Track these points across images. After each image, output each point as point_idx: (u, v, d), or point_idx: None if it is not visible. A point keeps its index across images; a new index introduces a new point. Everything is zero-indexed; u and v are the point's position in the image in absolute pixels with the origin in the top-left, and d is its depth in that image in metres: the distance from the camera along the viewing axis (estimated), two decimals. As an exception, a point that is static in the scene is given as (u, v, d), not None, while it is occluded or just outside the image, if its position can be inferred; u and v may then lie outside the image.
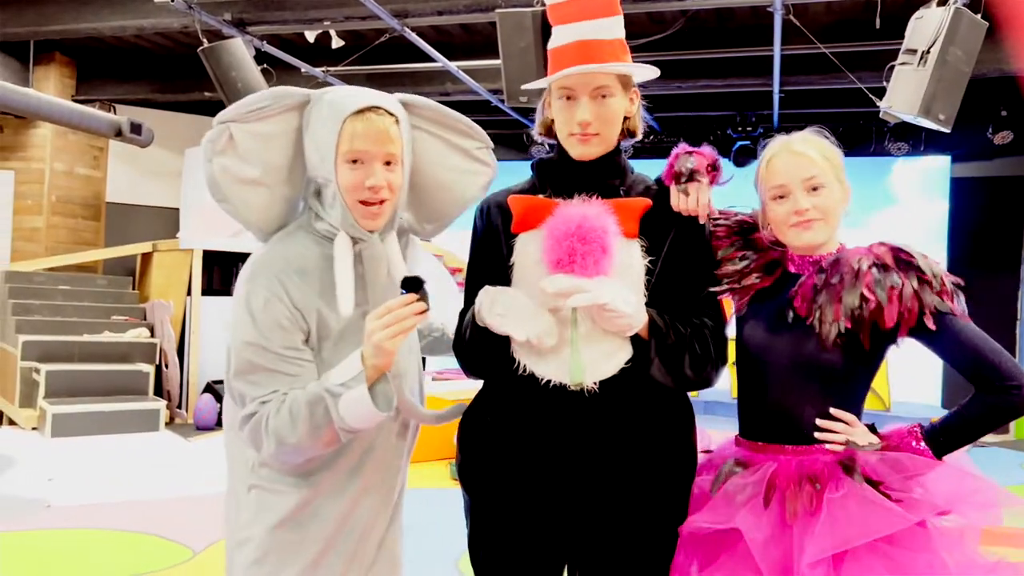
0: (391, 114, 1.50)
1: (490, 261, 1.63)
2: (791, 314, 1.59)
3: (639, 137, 1.67)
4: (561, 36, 1.57)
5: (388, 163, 1.49)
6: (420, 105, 1.61)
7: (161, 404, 6.66)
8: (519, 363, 1.55)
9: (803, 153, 1.61)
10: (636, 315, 1.48)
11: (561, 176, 1.62)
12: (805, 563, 1.39)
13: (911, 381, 7.96)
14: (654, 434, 1.55)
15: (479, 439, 1.63)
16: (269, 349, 1.44)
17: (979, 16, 4.41)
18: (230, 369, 1.51)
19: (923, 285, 1.51)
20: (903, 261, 1.54)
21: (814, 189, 1.58)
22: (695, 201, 1.58)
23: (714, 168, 1.61)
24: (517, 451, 1.56)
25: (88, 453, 5.68)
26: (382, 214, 1.51)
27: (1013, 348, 8.02)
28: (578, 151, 1.59)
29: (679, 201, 1.60)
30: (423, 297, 1.41)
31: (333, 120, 1.46)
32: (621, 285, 1.49)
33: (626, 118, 1.62)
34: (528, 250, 1.57)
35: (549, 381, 1.52)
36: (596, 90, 1.54)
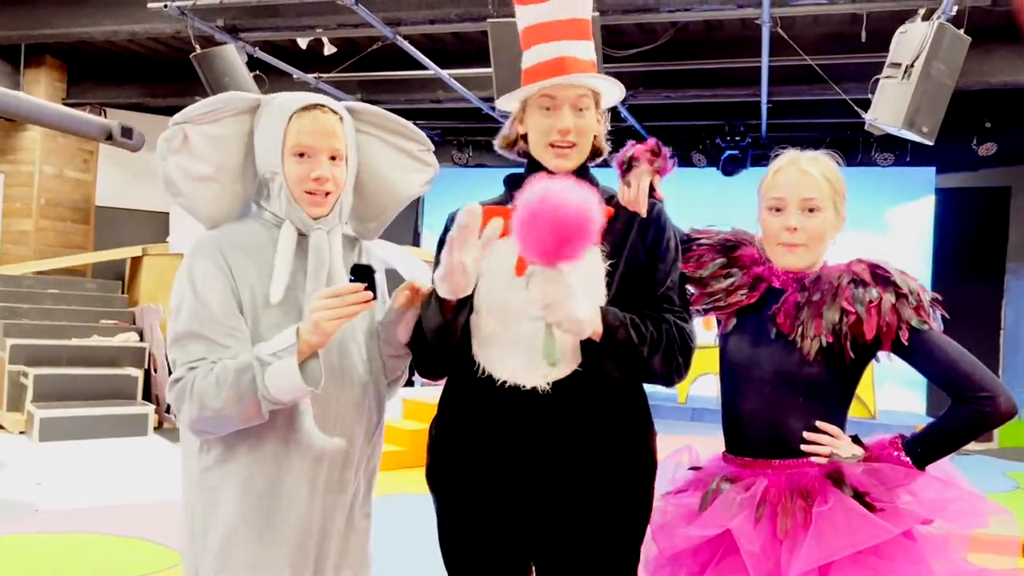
0: (335, 112, 1.58)
1: None
2: (774, 330, 1.63)
3: (603, 157, 1.73)
4: (541, 53, 1.63)
5: (333, 158, 1.56)
6: (364, 111, 1.69)
7: (149, 408, 6.65)
8: (478, 365, 1.59)
9: (808, 172, 1.64)
10: (589, 321, 1.49)
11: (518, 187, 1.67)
12: (793, 575, 1.43)
13: (896, 389, 8.05)
14: (610, 434, 1.59)
15: (442, 443, 1.68)
16: (205, 317, 1.49)
17: (962, 31, 4.49)
18: (167, 340, 1.55)
19: (900, 300, 1.55)
20: (881, 277, 1.58)
21: (810, 210, 1.62)
22: (636, 189, 1.62)
23: (655, 154, 1.64)
24: (478, 453, 1.60)
25: (76, 457, 5.66)
26: (326, 204, 1.57)
27: (996, 355, 8.11)
28: (555, 163, 1.64)
29: (623, 194, 1.64)
30: (371, 287, 1.43)
31: (280, 117, 1.55)
32: (579, 287, 1.48)
33: (595, 136, 1.69)
34: (492, 259, 1.60)
35: (505, 383, 1.56)
36: (577, 100, 1.61)
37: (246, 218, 1.65)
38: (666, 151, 1.67)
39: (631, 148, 1.67)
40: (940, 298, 1.60)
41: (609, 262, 1.60)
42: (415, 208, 9.91)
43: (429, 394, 5.66)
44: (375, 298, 1.44)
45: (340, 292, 1.42)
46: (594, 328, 1.48)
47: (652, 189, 1.65)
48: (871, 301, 1.54)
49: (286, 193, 1.56)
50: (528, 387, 1.55)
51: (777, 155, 1.71)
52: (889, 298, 1.55)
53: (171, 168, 1.56)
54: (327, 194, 1.56)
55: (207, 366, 1.46)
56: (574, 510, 1.57)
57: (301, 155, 1.54)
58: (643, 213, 1.64)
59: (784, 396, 1.61)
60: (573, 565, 1.59)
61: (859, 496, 1.50)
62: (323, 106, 1.57)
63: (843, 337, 1.56)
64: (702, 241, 1.74)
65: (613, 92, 1.69)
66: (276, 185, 1.57)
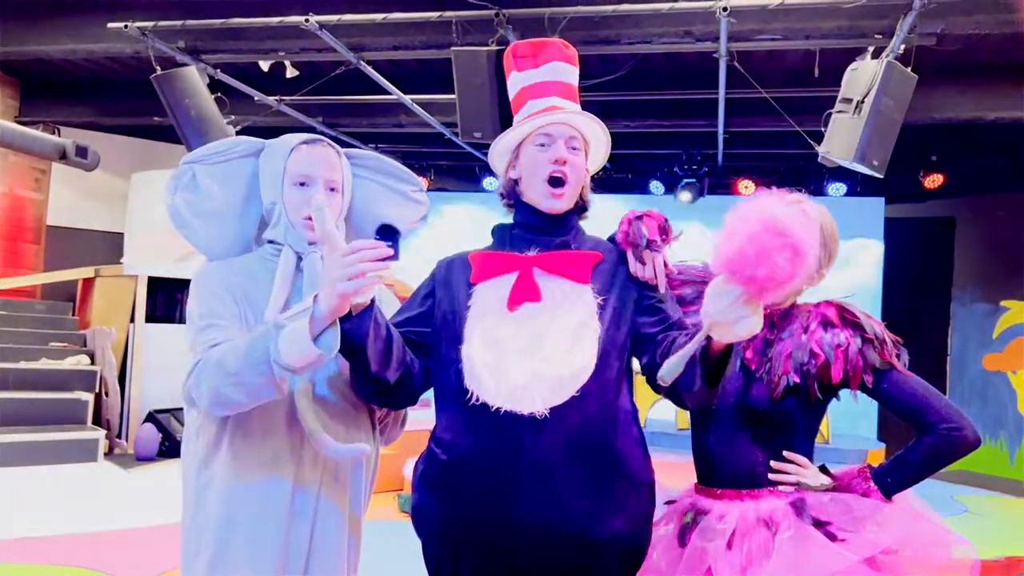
0: (333, 147, 1.70)
1: (443, 302, 1.71)
2: (740, 364, 1.67)
3: (587, 214, 1.79)
4: (534, 105, 1.74)
5: (332, 189, 1.66)
6: (362, 156, 1.80)
7: (100, 434, 6.49)
8: (471, 393, 1.57)
9: None
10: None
11: (519, 234, 1.74)
12: None
13: (848, 415, 8.22)
14: (609, 458, 1.57)
15: (434, 482, 1.64)
16: (218, 315, 1.57)
17: (909, 69, 4.67)
18: (190, 341, 1.60)
19: (866, 344, 1.61)
20: (848, 321, 1.63)
21: None
22: (652, 270, 1.68)
23: (664, 232, 1.70)
24: (474, 488, 1.57)
25: (23, 484, 5.50)
26: None
27: (943, 381, 8.34)
28: (549, 204, 1.69)
29: (637, 269, 1.69)
30: (394, 246, 1.42)
31: (282, 151, 1.68)
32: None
33: (582, 187, 1.76)
34: (485, 296, 1.66)
35: (500, 408, 1.54)
36: (570, 140, 1.70)
37: (245, 255, 1.73)
38: (672, 229, 1.71)
39: (640, 224, 1.68)
40: (901, 341, 1.66)
41: (600, 298, 1.64)
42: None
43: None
44: (396, 257, 1.42)
45: (357, 248, 1.39)
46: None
47: (665, 265, 1.71)
48: (839, 345, 1.59)
49: (285, 220, 1.65)
50: (526, 413, 1.53)
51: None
52: (856, 342, 1.60)
53: (179, 202, 1.68)
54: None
55: (227, 341, 1.52)
56: (575, 537, 1.54)
57: (301, 184, 1.64)
58: (662, 289, 1.68)
59: (750, 429, 1.65)
60: None
61: (822, 525, 1.54)
62: (323, 140, 1.69)
63: (810, 377, 1.60)
64: (679, 278, 1.78)
65: (600, 143, 1.78)
66: (276, 213, 1.67)
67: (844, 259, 8.68)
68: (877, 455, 7.25)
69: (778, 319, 1.68)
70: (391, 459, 5.20)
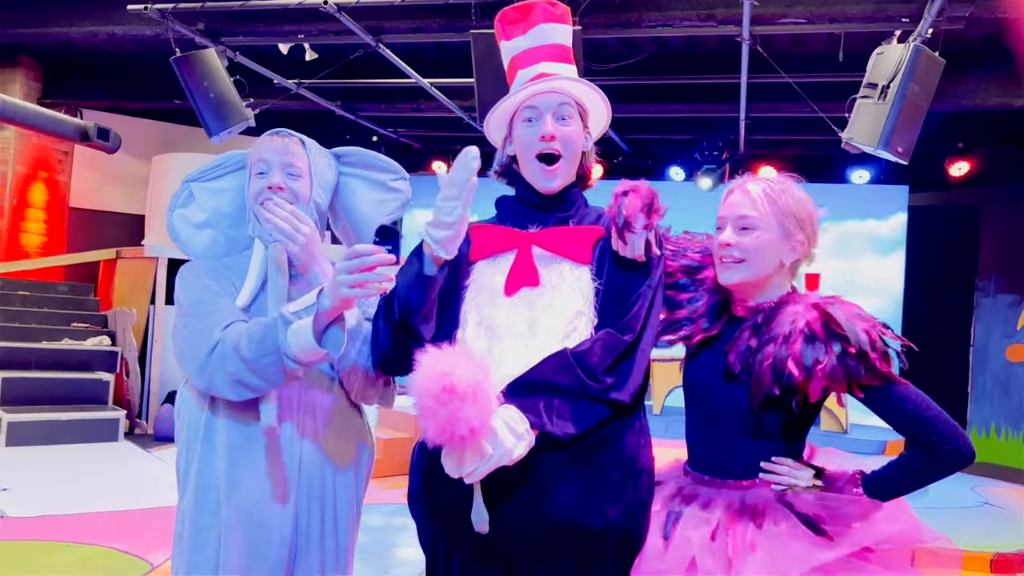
0: (297, 138, 1.74)
1: (448, 280, 1.64)
2: (724, 365, 1.61)
3: (592, 183, 1.73)
4: (522, 76, 1.68)
5: (292, 175, 1.69)
6: (348, 153, 1.86)
7: (121, 414, 6.57)
8: None
9: (748, 192, 1.65)
10: (524, 445, 1.44)
11: (519, 209, 1.69)
12: None
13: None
14: (600, 450, 1.54)
15: (424, 468, 1.61)
16: (204, 299, 1.63)
17: (937, 53, 4.58)
18: (177, 343, 1.64)
19: (851, 358, 1.50)
20: (832, 332, 1.52)
21: (743, 229, 1.63)
22: (631, 250, 1.60)
23: (649, 210, 1.60)
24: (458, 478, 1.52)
25: (45, 463, 5.57)
26: None
27: (966, 372, 8.24)
28: (545, 184, 1.65)
29: (619, 247, 1.62)
30: (394, 249, 1.42)
31: (251, 150, 1.75)
32: (504, 423, 1.42)
33: (583, 154, 1.69)
34: (484, 276, 1.63)
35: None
36: (558, 108, 1.63)
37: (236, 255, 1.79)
38: (660, 205, 1.63)
39: (624, 201, 1.61)
40: (906, 345, 1.58)
41: (598, 281, 1.60)
42: (394, 216, 9.88)
43: (407, 404, 5.63)
44: (397, 262, 1.46)
45: (360, 252, 1.43)
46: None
47: (648, 245, 1.62)
48: (817, 362, 1.51)
49: (252, 212, 1.70)
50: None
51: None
52: (833, 359, 1.50)
53: (175, 218, 1.79)
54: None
55: (238, 324, 1.56)
56: (567, 526, 1.51)
57: (260, 173, 1.69)
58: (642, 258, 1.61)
59: (737, 430, 1.61)
60: (568, 572, 1.53)
61: (810, 522, 1.50)
62: (285, 132, 1.73)
63: (792, 391, 1.54)
64: (671, 260, 1.73)
65: (597, 105, 1.70)
66: (248, 208, 1.72)
67: (867, 247, 8.59)
68: (896, 446, 7.18)
69: (763, 321, 1.60)
70: (406, 443, 5.22)
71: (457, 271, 1.64)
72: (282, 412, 1.61)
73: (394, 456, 5.20)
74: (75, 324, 7.32)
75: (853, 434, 7.56)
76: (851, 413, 7.81)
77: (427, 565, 1.67)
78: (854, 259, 8.50)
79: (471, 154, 1.45)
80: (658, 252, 1.65)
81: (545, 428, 1.46)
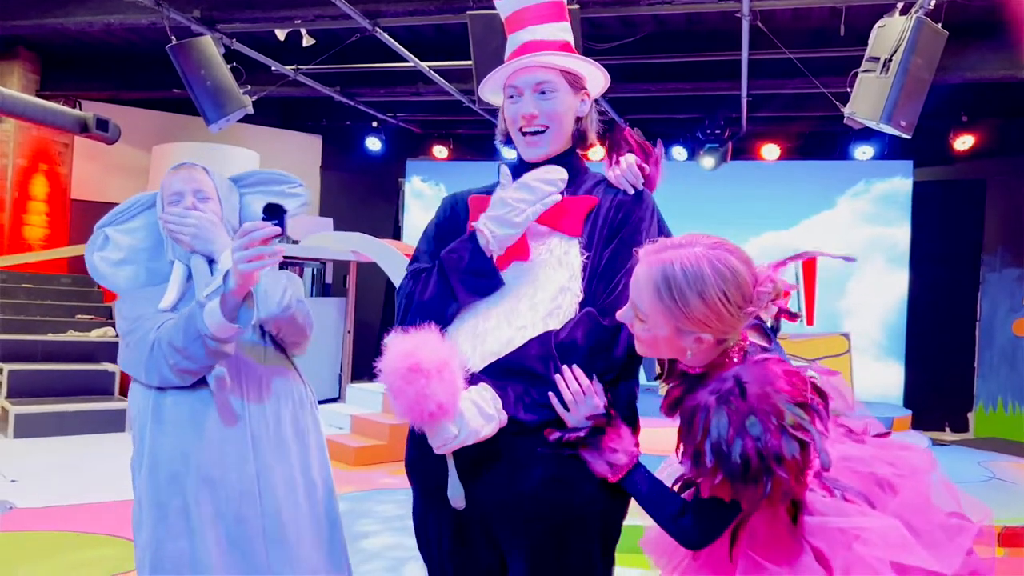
0: (201, 167, 1.91)
1: (443, 245, 1.65)
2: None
3: (593, 143, 1.70)
4: (513, 42, 1.67)
5: (205, 199, 1.86)
6: (244, 176, 2.04)
7: (126, 404, 6.57)
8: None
9: (638, 279, 1.37)
10: (493, 424, 1.45)
11: (515, 178, 1.65)
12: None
13: (874, 381, 8.14)
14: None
15: (417, 438, 1.61)
16: (140, 315, 1.79)
17: (939, 25, 4.52)
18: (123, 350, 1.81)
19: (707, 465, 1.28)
20: (742, 427, 1.25)
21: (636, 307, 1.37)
22: (623, 167, 1.62)
23: (644, 152, 1.64)
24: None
25: (52, 454, 5.60)
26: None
27: (972, 347, 8.21)
28: (528, 153, 1.64)
29: (613, 176, 1.64)
30: (280, 224, 1.59)
31: (162, 183, 1.90)
32: (472, 403, 1.43)
33: (579, 119, 1.67)
34: None
35: (475, 373, 1.50)
36: (538, 85, 1.61)
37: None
38: (655, 151, 1.65)
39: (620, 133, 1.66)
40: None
41: (587, 255, 1.58)
42: (395, 202, 9.86)
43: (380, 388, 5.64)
44: (283, 234, 1.59)
45: (247, 230, 1.56)
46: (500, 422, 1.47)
47: (646, 179, 1.63)
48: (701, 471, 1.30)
49: (167, 238, 1.84)
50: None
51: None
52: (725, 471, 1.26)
53: (95, 260, 1.91)
54: None
55: (167, 321, 1.72)
56: (546, 503, 1.50)
57: (173, 202, 1.85)
58: (630, 191, 1.63)
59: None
60: (548, 551, 1.52)
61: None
62: (188, 163, 1.91)
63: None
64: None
65: (584, 68, 1.67)
66: (165, 239, 1.87)
67: (870, 223, 8.53)
68: (903, 422, 7.17)
69: (687, 392, 1.39)
70: (403, 429, 5.18)
71: (457, 236, 1.64)
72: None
73: (401, 441, 5.19)
74: (80, 316, 7.33)
75: (860, 411, 7.54)
76: (857, 390, 7.80)
77: (418, 541, 1.67)
78: (859, 235, 8.45)
79: (562, 176, 1.55)
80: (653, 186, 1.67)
81: (517, 416, 1.48)
